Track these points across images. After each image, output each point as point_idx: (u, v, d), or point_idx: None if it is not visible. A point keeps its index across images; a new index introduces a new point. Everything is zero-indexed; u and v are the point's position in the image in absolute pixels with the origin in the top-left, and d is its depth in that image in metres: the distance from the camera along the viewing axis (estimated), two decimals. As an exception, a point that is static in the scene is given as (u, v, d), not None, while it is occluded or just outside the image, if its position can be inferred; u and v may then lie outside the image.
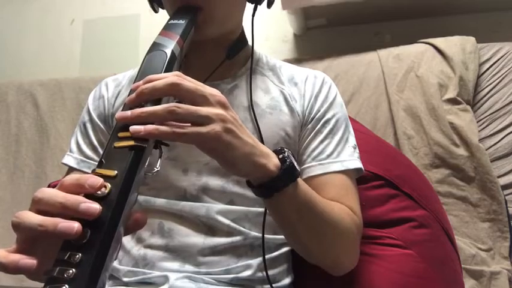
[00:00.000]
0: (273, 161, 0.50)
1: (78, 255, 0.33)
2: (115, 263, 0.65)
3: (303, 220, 0.55)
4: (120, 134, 0.41)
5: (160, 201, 0.64)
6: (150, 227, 0.64)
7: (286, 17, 1.42)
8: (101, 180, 0.36)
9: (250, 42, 0.74)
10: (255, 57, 0.73)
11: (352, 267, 0.63)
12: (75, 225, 0.34)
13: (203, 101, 0.45)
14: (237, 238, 0.63)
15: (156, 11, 0.73)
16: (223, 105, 0.46)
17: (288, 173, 0.51)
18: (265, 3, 0.71)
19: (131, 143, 0.40)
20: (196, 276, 0.60)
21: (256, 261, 0.63)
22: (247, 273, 0.62)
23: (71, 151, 0.72)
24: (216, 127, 0.44)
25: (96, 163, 0.40)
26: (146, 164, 0.43)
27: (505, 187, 1.04)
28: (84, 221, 0.34)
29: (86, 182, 0.36)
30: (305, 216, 0.55)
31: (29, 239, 0.36)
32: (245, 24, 0.74)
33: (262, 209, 0.64)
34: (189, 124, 0.44)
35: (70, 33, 1.78)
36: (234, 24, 0.70)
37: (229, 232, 0.63)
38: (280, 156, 0.52)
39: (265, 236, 0.63)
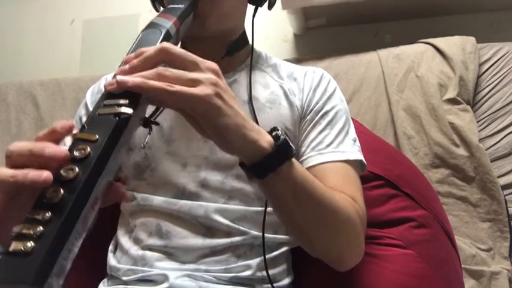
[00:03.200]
0: (265, 138, 0.47)
1: (48, 214, 0.32)
2: (114, 262, 0.65)
3: (300, 204, 0.52)
4: (106, 102, 0.40)
5: (158, 200, 0.64)
6: (148, 228, 0.64)
7: (286, 17, 1.42)
8: (70, 123, 0.36)
9: (250, 42, 0.74)
10: (256, 54, 0.74)
11: (357, 261, 0.61)
12: (44, 173, 0.33)
13: (193, 66, 0.43)
14: (237, 238, 0.63)
15: (157, 10, 0.73)
16: (215, 72, 0.44)
17: (282, 150, 0.48)
18: (265, 5, 0.71)
19: (116, 110, 0.39)
20: (196, 274, 0.60)
21: (256, 261, 0.63)
22: (247, 273, 0.62)
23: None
24: (206, 89, 0.42)
25: None
26: (131, 135, 0.42)
27: (505, 187, 1.04)
28: (59, 181, 0.34)
29: (56, 125, 0.36)
30: (303, 199, 0.52)
31: (2, 196, 0.36)
32: (246, 24, 0.74)
33: (261, 208, 0.64)
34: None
35: (70, 33, 1.78)
36: (235, 22, 0.70)
37: (229, 232, 0.63)
38: (274, 133, 0.49)
39: (265, 235, 0.62)
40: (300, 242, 0.60)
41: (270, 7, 0.73)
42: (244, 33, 0.73)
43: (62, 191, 0.34)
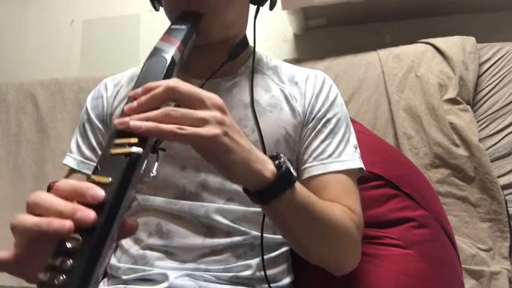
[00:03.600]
0: (268, 167, 0.49)
1: (69, 262, 0.34)
2: (114, 261, 0.65)
3: (302, 224, 0.55)
4: (117, 141, 0.41)
5: (158, 201, 0.64)
6: (148, 227, 0.64)
7: (286, 17, 1.42)
8: (103, 194, 0.36)
9: (251, 43, 0.74)
10: (256, 56, 0.74)
11: (354, 266, 0.63)
12: (67, 223, 0.34)
13: (200, 104, 0.45)
14: (237, 238, 0.63)
15: (157, 9, 0.73)
16: (220, 109, 0.46)
17: (284, 179, 0.50)
18: (267, 5, 0.71)
19: (127, 150, 0.40)
20: (196, 273, 0.60)
21: (256, 261, 0.63)
22: (247, 272, 0.62)
23: (71, 152, 0.72)
24: (213, 129, 0.44)
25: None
26: (142, 169, 0.43)
27: (505, 187, 1.04)
28: (78, 228, 0.35)
29: (87, 192, 0.36)
30: (304, 220, 0.54)
31: (25, 241, 0.37)
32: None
33: (260, 209, 0.64)
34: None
35: (70, 33, 1.78)
36: (238, 29, 0.70)
37: (229, 232, 0.63)
38: (276, 162, 0.51)
39: (265, 235, 0.63)
40: (299, 252, 0.62)
41: (271, 7, 0.73)
42: (245, 36, 0.73)
43: (80, 237, 0.35)
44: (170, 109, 0.43)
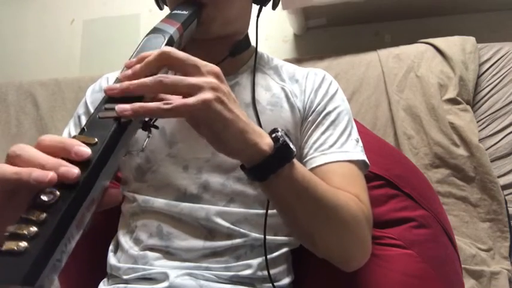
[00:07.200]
0: (265, 140, 0.47)
1: (44, 215, 0.32)
2: (114, 262, 0.65)
3: (303, 205, 0.52)
4: (107, 106, 0.41)
5: (159, 203, 0.64)
6: (148, 228, 0.64)
7: (286, 17, 1.42)
8: (89, 152, 0.35)
9: (252, 43, 0.74)
10: (258, 55, 0.73)
11: (363, 261, 0.60)
12: (50, 174, 0.33)
13: (194, 70, 0.43)
14: (237, 240, 0.63)
15: (161, 8, 0.73)
16: (216, 76, 0.44)
17: (282, 152, 0.48)
18: (270, 4, 0.71)
19: (116, 114, 0.39)
20: (197, 272, 0.60)
21: (256, 261, 0.63)
22: (247, 272, 0.62)
23: None
24: (205, 95, 0.42)
25: None
26: (130, 139, 0.42)
27: (505, 187, 1.04)
28: (57, 183, 0.34)
29: (72, 149, 0.35)
30: (305, 200, 0.52)
31: (3, 192, 0.35)
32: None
33: (262, 211, 0.63)
34: (178, 97, 0.43)
35: (70, 33, 1.78)
36: (240, 25, 0.70)
37: (229, 234, 0.63)
38: (273, 135, 0.49)
39: (266, 237, 0.62)
40: (303, 242, 0.60)
41: (274, 7, 0.73)
42: (247, 35, 0.73)
43: (58, 192, 0.33)
44: (162, 76, 0.41)
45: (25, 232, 0.31)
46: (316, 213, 0.54)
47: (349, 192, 0.59)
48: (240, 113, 0.46)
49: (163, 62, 0.43)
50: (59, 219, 0.32)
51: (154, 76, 0.42)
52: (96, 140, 0.37)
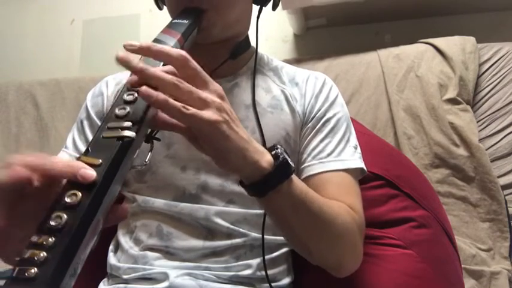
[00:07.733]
0: (265, 158, 0.49)
1: (52, 239, 0.33)
2: (114, 261, 0.65)
3: (300, 218, 0.54)
4: (110, 124, 0.41)
5: (158, 203, 0.64)
6: (148, 228, 0.64)
7: (286, 17, 1.42)
8: (94, 174, 0.36)
9: (252, 43, 0.74)
10: (258, 57, 0.73)
11: (355, 267, 0.62)
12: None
13: (203, 85, 0.44)
14: (237, 240, 0.63)
15: (160, 8, 0.73)
16: (220, 96, 0.45)
17: (281, 170, 0.49)
18: (270, 4, 0.71)
19: (120, 134, 0.39)
20: (196, 272, 0.60)
21: (256, 261, 0.63)
22: (247, 272, 0.62)
23: (66, 147, 0.72)
24: (214, 115, 0.43)
25: None
26: (134, 156, 0.42)
27: (505, 187, 1.04)
28: (63, 207, 0.34)
29: (78, 172, 0.35)
30: (302, 214, 0.53)
31: (6, 204, 0.36)
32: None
33: (261, 211, 0.64)
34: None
35: (70, 33, 1.78)
36: (240, 28, 0.70)
37: (229, 234, 0.63)
38: (273, 152, 0.50)
39: (265, 236, 0.62)
40: (299, 251, 0.61)
41: (274, 7, 0.73)
42: (247, 36, 0.73)
43: (65, 216, 0.34)
44: (178, 80, 0.42)
45: (35, 258, 0.32)
46: (312, 226, 0.55)
47: (344, 202, 0.61)
48: (242, 131, 0.47)
49: (179, 63, 0.44)
50: (67, 243, 0.33)
51: (174, 77, 0.42)
52: (101, 161, 0.38)
